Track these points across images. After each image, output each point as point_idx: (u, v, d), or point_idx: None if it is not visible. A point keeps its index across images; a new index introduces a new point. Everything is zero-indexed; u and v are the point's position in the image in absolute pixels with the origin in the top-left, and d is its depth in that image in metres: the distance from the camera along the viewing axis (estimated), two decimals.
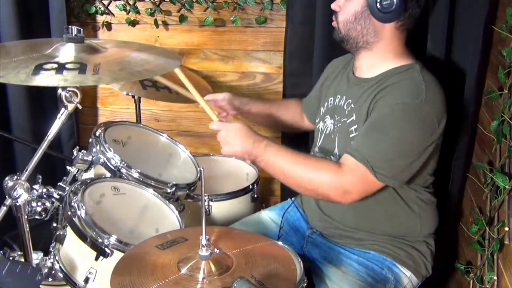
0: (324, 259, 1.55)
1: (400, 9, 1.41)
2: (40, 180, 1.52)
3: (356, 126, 1.48)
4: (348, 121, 1.51)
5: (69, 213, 1.43)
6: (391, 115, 1.39)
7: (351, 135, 1.48)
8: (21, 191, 1.35)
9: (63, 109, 1.33)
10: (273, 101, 1.92)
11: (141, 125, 1.99)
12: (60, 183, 1.58)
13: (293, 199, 1.79)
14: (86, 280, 1.40)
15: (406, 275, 1.53)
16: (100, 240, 1.38)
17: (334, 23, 1.54)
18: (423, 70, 1.46)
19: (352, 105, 1.52)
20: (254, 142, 1.44)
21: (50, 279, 1.49)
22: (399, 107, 1.38)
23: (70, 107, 1.33)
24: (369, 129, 1.41)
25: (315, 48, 2.00)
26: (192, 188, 1.79)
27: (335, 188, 1.40)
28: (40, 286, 1.31)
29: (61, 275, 1.45)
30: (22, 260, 1.44)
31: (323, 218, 1.60)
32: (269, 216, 1.77)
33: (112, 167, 1.64)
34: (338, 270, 1.50)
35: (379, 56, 1.49)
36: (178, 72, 1.68)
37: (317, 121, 1.68)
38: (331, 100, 1.62)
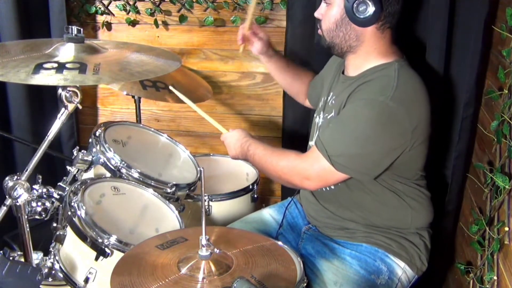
0: (318, 253, 1.57)
1: (377, 11, 1.42)
2: (40, 180, 1.52)
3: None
4: (328, 117, 1.56)
5: (69, 213, 1.43)
6: (354, 109, 1.43)
7: None
8: (21, 191, 1.35)
9: (63, 109, 1.33)
10: (291, 69, 1.95)
11: (141, 125, 1.99)
12: (60, 183, 1.58)
13: (293, 197, 1.80)
14: (86, 280, 1.40)
15: (400, 266, 1.54)
16: (100, 240, 1.38)
17: (319, 31, 1.57)
18: (402, 68, 1.46)
19: (333, 102, 1.56)
20: (241, 145, 1.63)
21: (50, 279, 1.49)
22: (362, 102, 1.42)
23: (70, 107, 1.33)
24: (335, 121, 1.48)
25: (315, 48, 2.00)
26: (192, 188, 1.79)
27: (296, 173, 1.50)
28: (40, 286, 1.31)
29: (61, 275, 1.45)
30: (22, 260, 1.44)
31: (318, 208, 1.63)
32: (270, 213, 1.78)
33: (112, 167, 1.64)
34: (331, 265, 1.52)
35: (363, 57, 1.52)
36: (173, 89, 1.80)
37: (314, 115, 1.72)
38: (325, 97, 1.66)
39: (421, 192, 1.57)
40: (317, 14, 1.55)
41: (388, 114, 1.38)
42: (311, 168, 1.47)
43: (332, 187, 1.56)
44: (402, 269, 1.55)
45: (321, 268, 1.52)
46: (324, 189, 1.58)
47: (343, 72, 1.61)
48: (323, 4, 1.53)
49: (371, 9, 1.41)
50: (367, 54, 1.50)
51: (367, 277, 1.49)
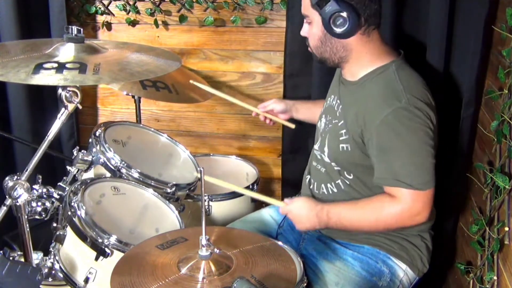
0: (320, 254, 1.56)
1: (354, 19, 1.39)
2: (40, 180, 1.52)
3: (345, 131, 1.50)
4: (339, 124, 1.53)
5: (69, 213, 1.43)
6: (388, 132, 1.39)
7: (340, 138, 1.51)
8: (21, 191, 1.35)
9: (63, 109, 1.33)
10: (316, 101, 1.94)
11: (141, 125, 1.99)
12: (60, 183, 1.58)
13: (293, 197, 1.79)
14: (86, 280, 1.40)
15: (401, 268, 1.54)
16: (100, 240, 1.38)
17: (309, 49, 1.56)
18: (399, 69, 1.46)
19: (341, 109, 1.54)
20: (317, 214, 1.48)
21: (50, 279, 1.49)
22: (387, 119, 1.38)
23: (70, 107, 1.33)
24: (383, 153, 1.41)
25: None
26: (192, 188, 1.79)
27: (403, 219, 1.43)
28: (40, 286, 1.31)
29: (61, 275, 1.45)
30: (22, 260, 1.44)
31: None
32: (270, 214, 1.78)
33: (112, 167, 1.64)
34: (333, 266, 1.51)
35: (357, 63, 1.50)
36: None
37: (318, 119, 1.71)
38: (328, 100, 1.65)
39: None
40: (302, 33, 1.54)
41: (414, 116, 1.37)
42: (409, 206, 1.40)
43: (335, 189, 1.56)
44: (403, 271, 1.54)
45: (322, 269, 1.51)
46: (326, 191, 1.58)
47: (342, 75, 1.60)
48: (305, 24, 1.52)
49: (348, 19, 1.38)
50: (360, 60, 1.49)
51: (369, 279, 1.49)
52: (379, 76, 1.46)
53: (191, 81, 2.05)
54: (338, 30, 1.40)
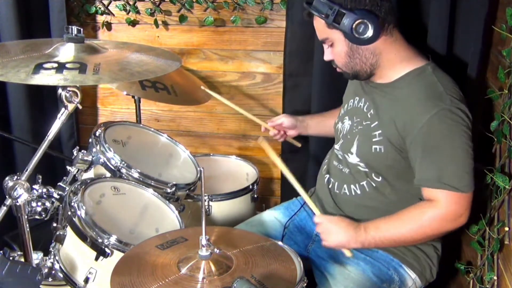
0: (330, 257, 1.55)
1: (374, 22, 1.39)
2: (40, 180, 1.52)
3: (380, 131, 1.48)
4: (372, 125, 1.51)
5: (69, 213, 1.43)
6: (435, 133, 1.38)
7: (374, 139, 1.49)
8: (21, 191, 1.35)
9: (63, 109, 1.33)
10: (326, 113, 1.92)
11: (141, 125, 2.00)
12: (60, 183, 1.58)
13: (298, 198, 1.78)
14: (86, 280, 1.40)
15: (411, 277, 1.54)
16: (100, 240, 1.38)
17: (338, 69, 1.55)
18: (435, 70, 1.46)
19: (373, 110, 1.52)
20: (355, 230, 1.44)
21: (50, 279, 1.49)
22: (434, 120, 1.37)
23: (70, 107, 1.33)
24: (427, 155, 1.40)
25: (315, 48, 2.00)
26: (192, 188, 1.79)
27: (446, 222, 1.41)
28: (40, 286, 1.31)
29: (61, 275, 1.45)
30: (22, 260, 1.44)
31: (335, 212, 1.60)
32: (274, 215, 1.76)
33: (112, 167, 1.64)
34: (344, 269, 1.50)
35: (388, 66, 1.49)
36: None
37: (336, 121, 1.70)
38: (351, 102, 1.63)
39: None
40: (326, 58, 1.53)
41: (458, 116, 1.37)
42: (452, 208, 1.39)
43: (358, 191, 1.54)
44: (412, 281, 1.54)
45: (332, 271, 1.50)
46: (348, 192, 1.56)
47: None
48: (325, 48, 1.52)
49: (368, 23, 1.39)
50: (390, 61, 1.48)
51: (379, 285, 1.48)
52: (417, 78, 1.45)
53: (202, 87, 2.06)
54: (364, 37, 1.40)
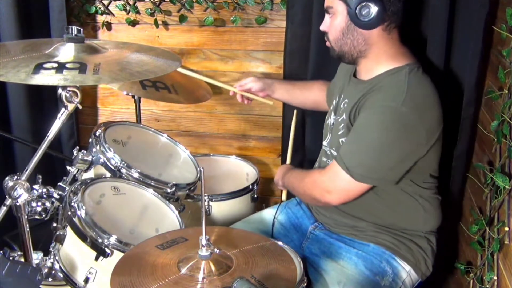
0: (323, 253, 1.57)
1: (380, 12, 1.43)
2: (40, 180, 1.51)
3: (342, 125, 1.53)
4: (339, 119, 1.57)
5: (69, 213, 1.43)
6: (367, 118, 1.44)
7: (339, 133, 1.55)
8: (21, 191, 1.34)
9: (63, 109, 1.33)
10: (296, 83, 1.97)
11: (141, 125, 1.99)
12: (60, 183, 1.58)
13: (296, 197, 1.80)
14: (86, 280, 1.40)
15: (405, 269, 1.55)
16: (100, 240, 1.38)
17: (327, 43, 1.58)
18: (412, 72, 1.46)
19: (346, 105, 1.56)
20: (282, 175, 1.76)
21: (50, 279, 1.49)
22: (374, 110, 1.42)
23: (70, 107, 1.32)
24: (351, 132, 1.48)
25: (311, 48, 2.01)
26: (192, 188, 1.79)
27: (317, 187, 1.53)
28: (40, 286, 1.31)
29: (61, 275, 1.45)
30: (22, 260, 1.44)
31: (330, 208, 1.62)
32: (272, 214, 1.78)
33: (112, 167, 1.64)
34: (336, 264, 1.52)
35: (374, 60, 1.52)
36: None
37: (326, 116, 1.73)
38: (336, 99, 1.66)
39: (434, 193, 1.58)
40: (322, 27, 1.56)
41: (401, 119, 1.39)
42: (331, 182, 1.48)
43: None
44: (407, 273, 1.55)
45: (326, 267, 1.51)
46: None
47: (354, 75, 1.61)
48: (326, 17, 1.54)
49: (374, 10, 1.42)
50: (378, 56, 1.51)
51: (371, 278, 1.49)
52: (390, 77, 1.48)
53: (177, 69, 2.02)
54: (364, 20, 1.44)
